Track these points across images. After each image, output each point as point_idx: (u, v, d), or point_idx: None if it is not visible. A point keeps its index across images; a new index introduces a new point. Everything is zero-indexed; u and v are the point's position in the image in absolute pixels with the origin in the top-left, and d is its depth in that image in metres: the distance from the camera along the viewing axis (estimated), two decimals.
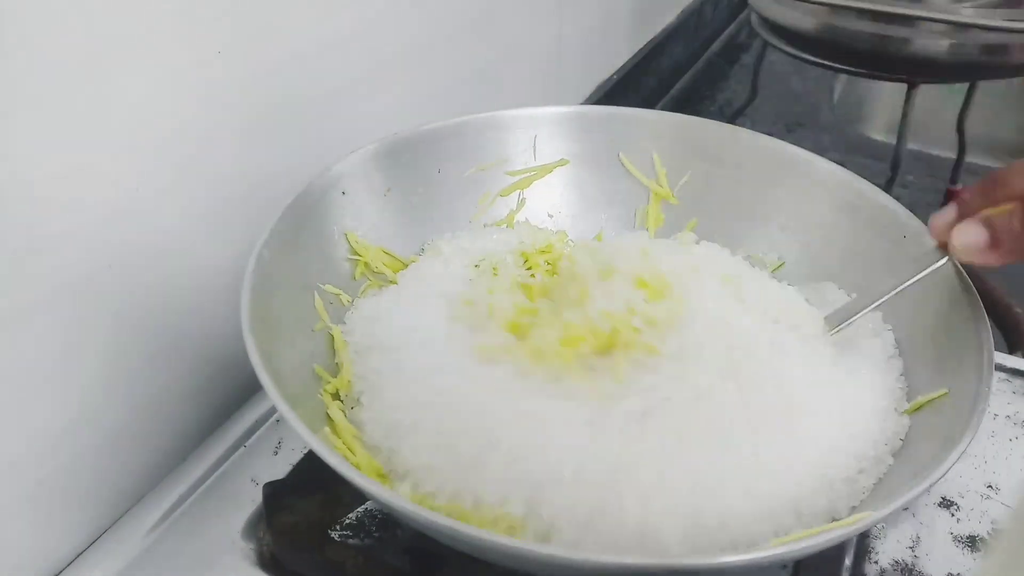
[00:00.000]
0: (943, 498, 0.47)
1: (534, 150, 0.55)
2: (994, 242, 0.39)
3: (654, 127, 0.55)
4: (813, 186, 0.51)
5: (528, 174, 0.56)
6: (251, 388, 0.53)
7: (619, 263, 0.44)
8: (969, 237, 0.40)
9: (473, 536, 0.31)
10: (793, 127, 1.09)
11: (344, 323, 0.47)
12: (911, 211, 0.47)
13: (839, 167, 0.51)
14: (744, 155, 0.53)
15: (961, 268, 0.43)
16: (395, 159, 0.52)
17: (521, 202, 0.56)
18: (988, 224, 0.40)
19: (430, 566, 0.42)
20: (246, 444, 0.50)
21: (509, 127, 0.55)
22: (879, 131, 1.16)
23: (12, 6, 0.36)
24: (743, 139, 0.54)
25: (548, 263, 0.52)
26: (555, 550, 0.31)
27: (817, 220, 0.51)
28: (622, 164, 0.55)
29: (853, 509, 0.38)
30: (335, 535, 0.43)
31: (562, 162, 0.56)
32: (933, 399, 0.40)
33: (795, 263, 0.52)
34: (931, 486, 0.33)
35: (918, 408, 0.41)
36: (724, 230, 0.53)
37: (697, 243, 0.52)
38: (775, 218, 0.53)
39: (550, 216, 0.56)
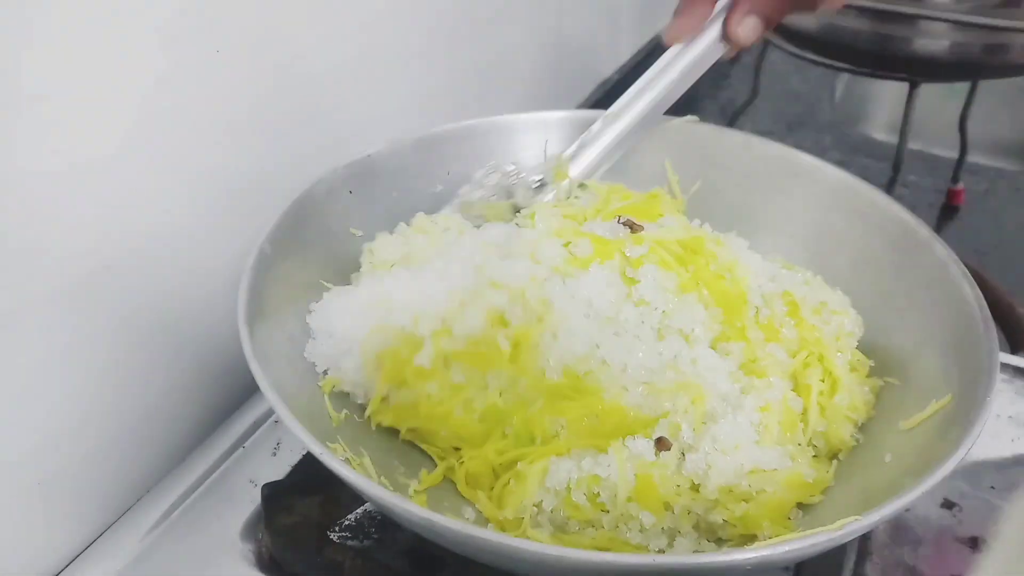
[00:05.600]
0: (945, 499, 0.47)
1: (545, 154, 0.55)
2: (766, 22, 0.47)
3: (666, 133, 0.55)
4: (824, 194, 0.51)
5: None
6: (250, 389, 0.53)
7: None
8: (749, 27, 0.47)
9: (471, 536, 0.31)
10: (794, 126, 1.08)
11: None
12: (913, 211, 0.47)
13: (850, 175, 0.50)
14: (755, 163, 0.53)
15: (966, 270, 0.43)
16: (404, 160, 0.52)
17: None
18: (757, 11, 0.46)
19: (429, 567, 0.42)
20: (245, 445, 0.50)
21: (520, 131, 0.55)
22: (880, 130, 1.16)
23: (11, 7, 0.36)
24: (755, 146, 0.53)
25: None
26: (550, 550, 0.30)
27: (827, 228, 0.51)
28: (633, 170, 0.55)
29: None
30: (334, 536, 0.43)
31: None
32: (937, 410, 0.40)
33: (805, 271, 0.51)
34: (926, 490, 0.33)
35: (923, 421, 0.40)
36: None
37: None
38: (785, 226, 0.52)
39: None
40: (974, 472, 0.48)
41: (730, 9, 0.47)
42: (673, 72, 0.49)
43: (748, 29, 0.47)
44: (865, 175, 0.50)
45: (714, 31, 0.48)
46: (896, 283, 0.46)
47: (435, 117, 0.54)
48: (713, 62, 0.50)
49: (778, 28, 0.84)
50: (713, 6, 0.48)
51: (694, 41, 0.49)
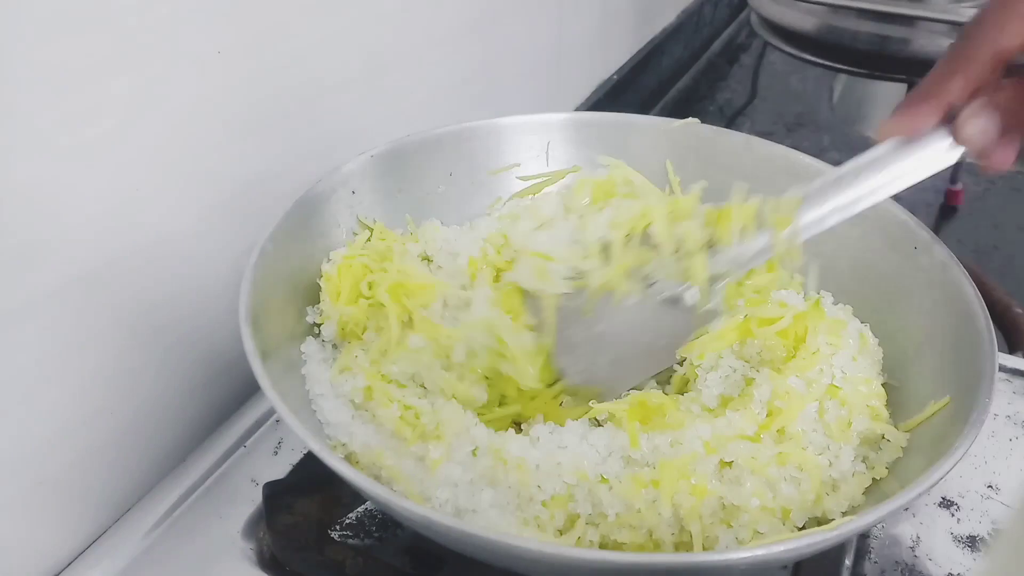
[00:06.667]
0: (943, 498, 0.47)
1: (547, 156, 0.55)
2: (1006, 128, 0.34)
3: (668, 135, 0.55)
4: None
5: (540, 180, 0.55)
6: (251, 388, 0.53)
7: None
8: (979, 125, 0.34)
9: (470, 535, 0.31)
10: (793, 127, 1.09)
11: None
12: (911, 211, 0.47)
13: None
14: (756, 164, 0.53)
15: (967, 272, 0.43)
16: (407, 160, 0.52)
17: None
18: (995, 107, 0.33)
19: (429, 566, 0.42)
20: (246, 444, 0.50)
21: (523, 132, 0.55)
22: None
23: (11, 8, 0.36)
24: (756, 148, 0.53)
25: None
26: (551, 548, 0.31)
27: (827, 229, 0.51)
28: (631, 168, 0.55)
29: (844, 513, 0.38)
30: (335, 535, 0.43)
31: (574, 169, 0.56)
32: (935, 412, 0.40)
33: (805, 274, 0.50)
34: (923, 493, 0.33)
35: (920, 423, 0.40)
36: None
37: None
38: None
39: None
40: (974, 472, 0.48)
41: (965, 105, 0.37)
42: (887, 168, 0.40)
43: (978, 128, 0.35)
44: None
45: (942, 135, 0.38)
46: (896, 284, 0.46)
47: (436, 118, 0.54)
48: (939, 169, 0.39)
49: (777, 29, 0.85)
50: (942, 109, 0.37)
51: (914, 141, 0.39)
